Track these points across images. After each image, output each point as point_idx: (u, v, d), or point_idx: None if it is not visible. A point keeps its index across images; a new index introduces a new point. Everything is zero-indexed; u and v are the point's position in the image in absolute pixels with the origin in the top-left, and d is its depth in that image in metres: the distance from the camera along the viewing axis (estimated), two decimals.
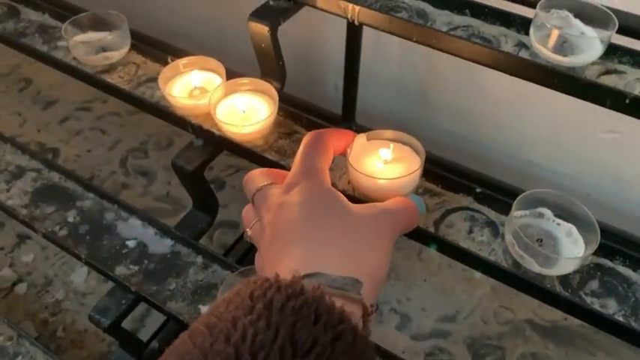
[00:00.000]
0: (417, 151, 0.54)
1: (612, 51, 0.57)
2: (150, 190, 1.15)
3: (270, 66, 0.74)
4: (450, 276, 1.01)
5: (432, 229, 0.58)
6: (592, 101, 0.56)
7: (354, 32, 0.90)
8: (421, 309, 0.97)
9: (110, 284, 0.67)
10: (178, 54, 0.75)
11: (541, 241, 0.54)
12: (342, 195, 0.39)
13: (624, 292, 0.54)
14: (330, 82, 1.14)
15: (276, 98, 0.66)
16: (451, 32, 0.61)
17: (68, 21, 0.78)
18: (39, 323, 0.96)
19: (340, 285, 0.31)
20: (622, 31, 0.56)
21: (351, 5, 0.64)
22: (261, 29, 0.70)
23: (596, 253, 0.54)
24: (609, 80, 0.56)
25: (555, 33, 0.55)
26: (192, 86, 0.71)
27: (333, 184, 0.58)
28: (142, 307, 0.71)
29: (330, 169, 0.44)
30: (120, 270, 0.64)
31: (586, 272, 0.55)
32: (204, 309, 0.61)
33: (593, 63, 0.57)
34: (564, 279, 0.54)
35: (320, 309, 0.27)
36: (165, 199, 1.13)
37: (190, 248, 0.67)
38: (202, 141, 0.74)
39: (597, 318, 0.52)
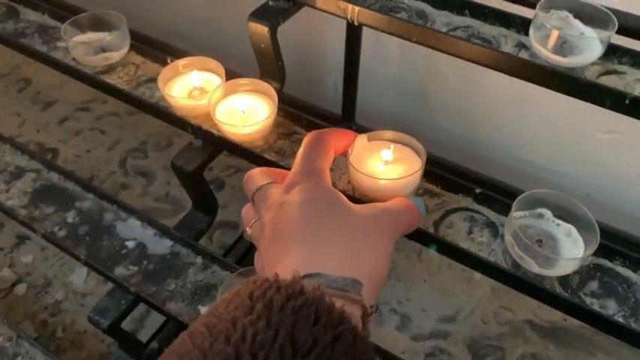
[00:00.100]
0: (417, 152, 0.54)
1: (612, 51, 0.57)
2: (149, 191, 1.15)
3: (269, 66, 0.74)
4: (449, 276, 1.01)
5: (431, 230, 0.58)
6: (592, 102, 0.56)
7: (353, 33, 0.90)
8: (421, 309, 0.97)
9: (110, 285, 0.67)
10: (178, 54, 0.75)
11: (541, 241, 0.54)
12: (342, 195, 0.39)
13: (624, 293, 0.53)
14: (329, 83, 1.14)
15: (276, 99, 0.66)
16: (451, 33, 0.61)
17: (67, 21, 0.78)
18: (38, 324, 0.96)
19: (340, 285, 0.31)
20: (622, 31, 0.56)
21: (350, 6, 0.64)
22: (261, 29, 0.70)
23: (595, 254, 0.54)
24: (609, 81, 0.56)
25: (555, 33, 0.55)
26: (191, 87, 0.71)
27: (333, 184, 0.58)
28: (141, 307, 0.71)
29: (331, 169, 0.44)
30: (119, 271, 0.64)
31: (586, 273, 0.55)
32: (203, 310, 0.61)
33: (593, 63, 0.57)
34: (564, 280, 0.54)
35: (320, 309, 0.27)
36: (165, 199, 1.13)
37: (190, 249, 0.67)
38: (202, 141, 0.74)
39: (597, 319, 0.52)
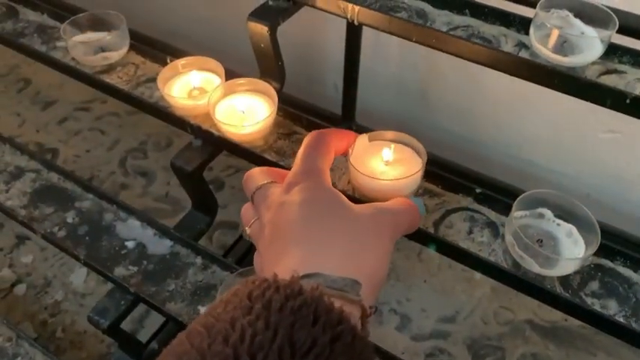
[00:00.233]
0: (418, 153, 0.54)
1: (612, 51, 0.57)
2: (149, 191, 1.15)
3: (269, 66, 0.74)
4: (449, 276, 1.00)
5: (431, 230, 0.58)
6: (592, 101, 0.55)
7: (353, 32, 0.90)
8: (421, 309, 0.97)
9: (109, 285, 0.67)
10: (177, 54, 0.75)
11: (541, 241, 0.54)
12: (342, 195, 0.39)
13: (625, 293, 0.53)
14: (329, 82, 1.14)
15: (276, 98, 0.66)
16: (451, 32, 0.61)
17: (67, 21, 0.78)
18: (38, 324, 0.96)
19: (339, 286, 0.31)
20: (622, 30, 0.55)
21: (350, 5, 0.64)
22: (261, 29, 0.69)
23: (596, 254, 0.54)
24: (609, 80, 0.56)
25: (555, 33, 0.55)
26: (191, 86, 0.71)
27: (333, 184, 0.58)
28: (141, 307, 0.71)
29: (331, 169, 0.44)
30: (119, 271, 0.64)
31: (586, 273, 0.55)
32: (203, 310, 0.61)
33: (594, 63, 0.57)
34: (564, 280, 0.54)
35: (319, 309, 0.27)
36: (165, 199, 1.13)
37: (189, 249, 0.66)
38: (201, 141, 0.74)
39: (598, 319, 0.52)
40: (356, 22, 0.65)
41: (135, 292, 0.63)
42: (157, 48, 0.82)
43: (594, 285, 0.54)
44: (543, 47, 0.56)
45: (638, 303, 0.53)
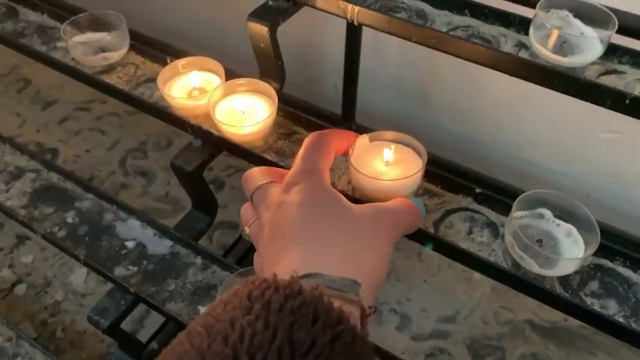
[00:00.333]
0: (418, 153, 0.54)
1: (612, 51, 0.57)
2: (149, 191, 1.15)
3: (269, 66, 0.74)
4: (449, 276, 1.00)
5: (431, 230, 0.58)
6: (592, 101, 0.55)
7: (353, 32, 0.90)
8: (421, 309, 0.97)
9: (109, 285, 0.67)
10: (177, 54, 0.75)
11: (541, 241, 0.54)
12: (341, 195, 0.39)
13: (624, 293, 0.53)
14: (329, 83, 1.14)
15: (276, 99, 0.66)
16: (450, 32, 0.61)
17: (67, 21, 0.78)
18: (38, 324, 0.96)
19: (338, 286, 0.31)
20: (622, 31, 0.55)
21: (350, 5, 0.64)
22: (260, 29, 0.69)
23: (596, 254, 0.54)
24: (609, 80, 0.56)
25: (555, 33, 0.55)
26: (191, 87, 0.71)
27: (333, 184, 0.58)
28: (141, 307, 0.71)
29: (330, 170, 0.44)
30: (119, 271, 0.64)
31: (586, 273, 0.55)
32: (203, 310, 0.61)
33: (593, 63, 0.57)
34: (564, 280, 0.54)
35: (318, 309, 0.27)
36: (165, 199, 1.13)
37: (189, 249, 0.67)
38: (201, 141, 0.74)
39: (597, 319, 0.52)
40: (356, 23, 0.65)
41: (135, 292, 0.63)
42: (157, 48, 0.82)
43: (594, 285, 0.54)
44: (543, 47, 0.56)
45: (637, 303, 0.53)
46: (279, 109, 0.67)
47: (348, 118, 1.03)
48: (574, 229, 0.54)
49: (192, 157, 0.74)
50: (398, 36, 0.64)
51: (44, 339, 0.93)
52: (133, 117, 1.27)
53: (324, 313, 0.27)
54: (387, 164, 0.53)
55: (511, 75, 0.59)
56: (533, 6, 0.58)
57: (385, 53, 1.02)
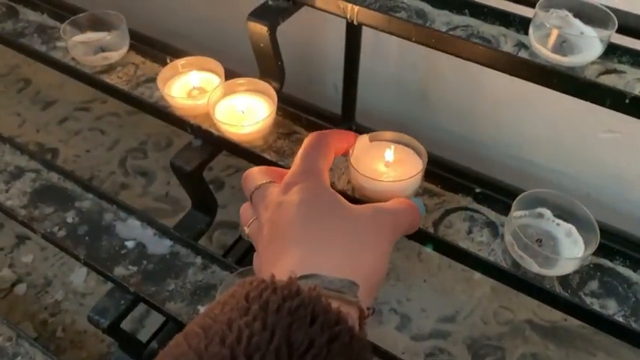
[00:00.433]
0: (418, 153, 0.54)
1: (612, 50, 0.57)
2: (149, 191, 1.15)
3: (269, 66, 0.74)
4: (449, 276, 1.00)
5: (431, 230, 0.58)
6: (591, 101, 0.55)
7: (353, 32, 0.90)
8: (421, 309, 0.97)
9: (109, 285, 0.67)
10: (177, 54, 0.75)
11: (540, 241, 0.54)
12: (340, 196, 0.39)
13: (624, 293, 0.53)
14: (329, 82, 1.14)
15: (275, 98, 0.66)
16: (450, 32, 0.61)
17: (67, 21, 0.78)
18: (38, 324, 0.96)
19: (337, 287, 0.31)
20: (622, 30, 0.55)
21: (350, 5, 0.64)
22: (260, 29, 0.69)
23: (595, 254, 0.54)
24: (609, 80, 0.56)
25: (555, 33, 0.55)
26: (190, 86, 0.71)
27: (332, 184, 0.58)
28: (141, 307, 0.71)
29: (330, 169, 0.44)
30: (119, 271, 0.64)
31: (586, 273, 0.55)
32: (203, 309, 0.61)
33: (593, 63, 0.57)
34: (564, 279, 0.54)
35: (316, 310, 0.27)
36: (165, 199, 1.13)
37: (189, 249, 0.67)
38: (201, 141, 0.74)
39: (597, 319, 0.52)
40: (355, 22, 0.65)
41: (135, 292, 0.63)
42: (156, 48, 0.82)
43: (593, 285, 0.54)
44: (543, 47, 0.56)
45: (637, 303, 0.53)
46: (278, 109, 0.67)
47: (348, 118, 1.03)
48: (574, 229, 0.54)
49: (192, 157, 0.74)
50: (398, 36, 0.64)
51: (44, 339, 0.93)
52: (133, 117, 1.27)
53: (322, 313, 0.27)
54: (387, 165, 0.53)
55: (511, 75, 0.59)
56: (532, 5, 0.58)
57: (385, 53, 1.02)
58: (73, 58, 0.79)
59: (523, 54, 0.58)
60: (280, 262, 0.34)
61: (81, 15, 0.79)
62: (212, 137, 0.68)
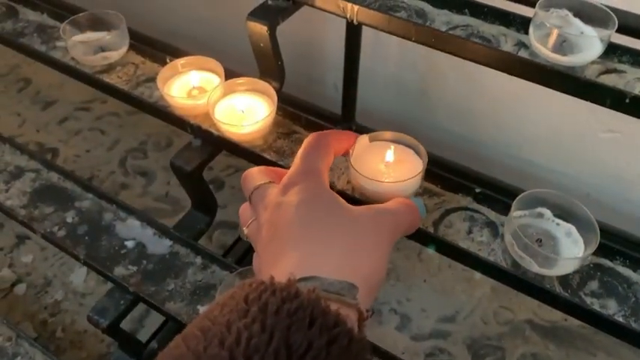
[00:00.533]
0: (419, 154, 0.54)
1: (612, 50, 0.57)
2: (149, 191, 1.15)
3: (268, 66, 0.74)
4: (449, 276, 1.00)
5: (431, 230, 0.57)
6: (592, 101, 0.55)
7: (353, 32, 0.90)
8: (421, 309, 0.97)
9: (109, 285, 0.67)
10: (177, 54, 0.75)
11: (540, 241, 0.54)
12: (340, 197, 0.39)
13: (624, 293, 0.53)
14: (329, 82, 1.14)
15: (275, 98, 0.66)
16: (450, 32, 0.61)
17: (67, 21, 0.78)
18: (38, 324, 0.96)
19: (336, 289, 0.31)
20: (622, 30, 0.55)
21: (350, 5, 0.64)
22: (260, 29, 0.69)
23: (595, 254, 0.53)
24: (609, 79, 0.56)
25: (555, 32, 0.55)
26: (190, 86, 0.71)
27: (332, 184, 0.58)
28: (141, 307, 0.71)
29: (330, 169, 0.44)
30: (118, 270, 0.64)
31: (586, 272, 0.55)
32: (202, 309, 0.61)
33: (593, 62, 0.57)
34: (564, 279, 0.54)
35: (315, 312, 0.27)
36: (165, 199, 1.13)
37: (189, 249, 0.66)
38: (201, 141, 0.74)
39: (597, 318, 0.52)
40: (355, 22, 0.65)
41: (134, 292, 0.63)
42: (156, 48, 0.82)
43: (593, 284, 0.54)
44: (543, 47, 0.56)
45: (637, 302, 0.52)
46: (278, 109, 0.67)
47: (348, 117, 1.02)
48: (574, 229, 0.54)
49: (192, 157, 0.74)
50: (397, 35, 0.64)
51: (44, 339, 0.93)
52: (133, 117, 1.27)
53: (320, 316, 0.27)
54: (387, 165, 0.53)
55: (511, 74, 0.59)
56: (532, 5, 0.58)
57: (385, 53, 1.01)
58: (73, 58, 0.79)
59: (523, 54, 0.58)
60: (279, 264, 0.34)
61: (81, 15, 0.79)
62: (212, 137, 0.68)
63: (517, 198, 0.54)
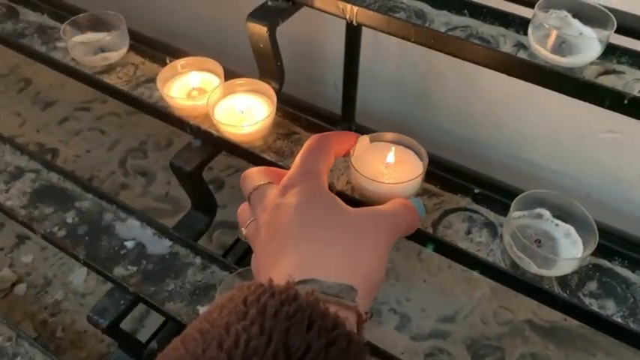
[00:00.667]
0: (419, 155, 0.54)
1: (611, 51, 0.57)
2: (149, 191, 1.15)
3: (268, 66, 0.74)
4: (449, 277, 1.01)
5: (430, 230, 0.58)
6: (591, 101, 0.55)
7: (353, 32, 0.90)
8: (420, 309, 0.97)
9: (109, 285, 0.67)
10: (177, 54, 0.75)
11: (539, 241, 0.54)
12: (339, 199, 0.39)
13: (623, 293, 0.53)
14: (329, 82, 1.14)
15: (275, 98, 0.66)
16: (449, 32, 0.61)
17: (67, 22, 0.78)
18: (38, 324, 0.96)
19: (335, 292, 0.31)
20: (620, 31, 0.55)
21: (349, 6, 0.64)
22: (260, 29, 0.69)
23: (594, 254, 0.54)
24: (608, 80, 0.56)
25: (554, 33, 0.55)
26: (190, 87, 0.71)
27: (332, 184, 0.58)
28: (140, 307, 0.71)
29: (330, 170, 0.44)
30: (118, 271, 0.64)
31: (584, 273, 0.55)
32: (202, 310, 0.61)
33: (592, 63, 0.57)
34: (563, 280, 0.54)
35: (314, 314, 0.27)
36: (165, 199, 1.13)
37: (189, 249, 0.67)
38: (201, 141, 0.74)
39: (596, 319, 0.52)
40: (355, 23, 0.65)
41: (134, 292, 0.63)
42: (156, 48, 0.82)
43: (592, 285, 0.54)
44: (542, 48, 0.56)
45: (635, 303, 0.53)
46: (278, 109, 0.67)
47: (348, 118, 1.03)
48: (572, 229, 0.54)
49: (192, 157, 0.74)
50: (397, 36, 0.64)
51: (44, 339, 0.94)
52: (133, 117, 1.27)
53: (319, 318, 0.27)
54: (388, 166, 0.53)
55: (510, 75, 0.59)
56: (532, 6, 0.58)
57: (385, 53, 1.02)
58: (73, 59, 0.79)
59: (522, 54, 0.58)
60: (278, 265, 0.34)
61: (81, 15, 0.79)
62: (212, 137, 0.68)
63: (516, 198, 0.54)
